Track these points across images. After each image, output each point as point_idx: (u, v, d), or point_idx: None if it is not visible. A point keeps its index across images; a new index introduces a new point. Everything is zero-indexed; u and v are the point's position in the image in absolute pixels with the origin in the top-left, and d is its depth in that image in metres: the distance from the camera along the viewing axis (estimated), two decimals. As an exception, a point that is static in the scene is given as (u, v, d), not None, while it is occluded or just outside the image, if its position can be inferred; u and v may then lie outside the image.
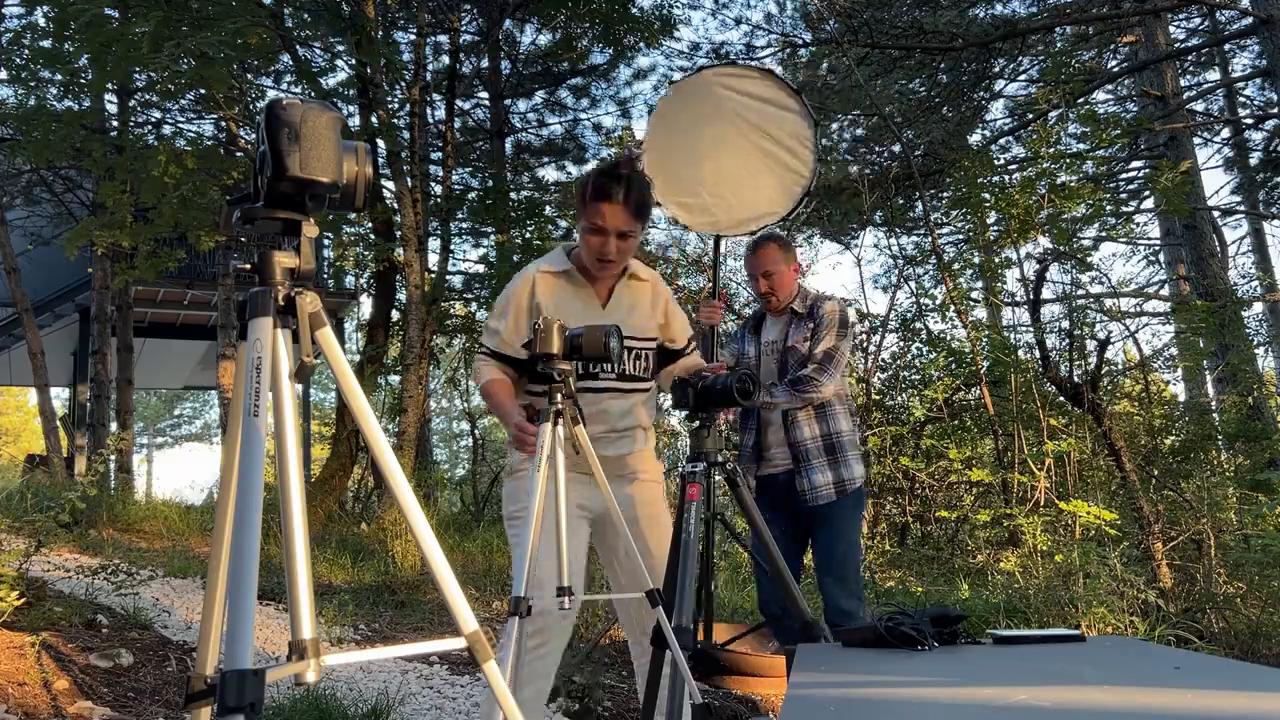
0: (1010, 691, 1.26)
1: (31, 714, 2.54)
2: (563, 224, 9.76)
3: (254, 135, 1.26)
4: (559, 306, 2.23)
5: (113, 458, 10.44)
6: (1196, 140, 11.28)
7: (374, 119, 8.42)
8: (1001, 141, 11.49)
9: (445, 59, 10.37)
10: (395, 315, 9.99)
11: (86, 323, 12.55)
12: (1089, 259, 6.95)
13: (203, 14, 6.90)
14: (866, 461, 8.58)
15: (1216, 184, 48.79)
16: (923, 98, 11.27)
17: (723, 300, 3.30)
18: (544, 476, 1.94)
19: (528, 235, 9.32)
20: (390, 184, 8.72)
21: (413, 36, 9.67)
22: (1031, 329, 6.45)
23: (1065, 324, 6.81)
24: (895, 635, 1.75)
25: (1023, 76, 11.74)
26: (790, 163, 3.23)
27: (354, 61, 8.79)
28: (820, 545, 3.05)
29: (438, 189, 9.97)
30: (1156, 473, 6.10)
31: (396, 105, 9.34)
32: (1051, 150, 6.84)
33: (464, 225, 11.36)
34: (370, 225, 9.71)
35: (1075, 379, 5.85)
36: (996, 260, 7.25)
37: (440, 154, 10.35)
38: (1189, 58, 12.12)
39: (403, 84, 9.08)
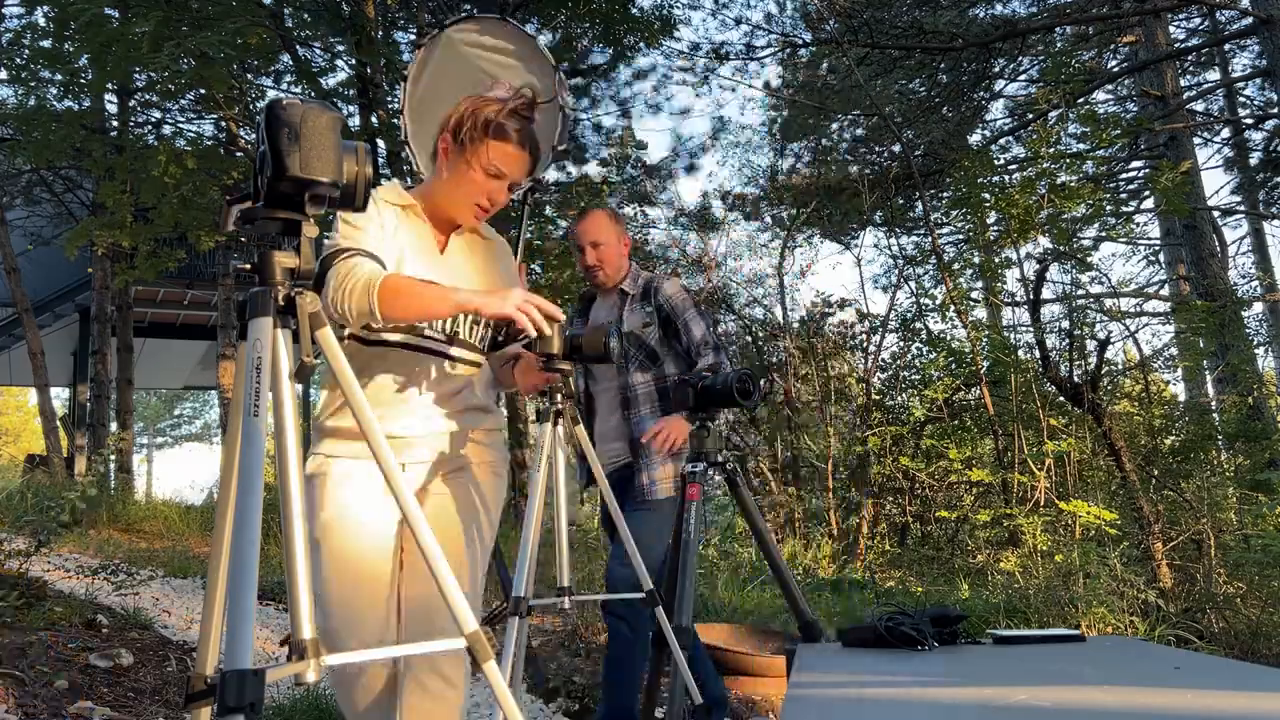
0: (1010, 691, 1.26)
1: (31, 714, 2.54)
2: (563, 224, 9.76)
3: (254, 135, 1.26)
4: (403, 243, 1.83)
5: (113, 458, 10.46)
6: (1196, 140, 11.28)
7: (374, 119, 8.41)
8: (1001, 141, 11.50)
9: (445, 59, 10.37)
10: (395, 315, 9.96)
11: (86, 323, 12.56)
12: (1089, 259, 6.95)
13: (203, 14, 6.90)
14: (866, 462, 8.65)
15: (1216, 184, 48.87)
16: (923, 98, 11.28)
17: (523, 270, 3.00)
18: (543, 476, 1.94)
19: (528, 235, 9.31)
20: (390, 184, 8.69)
21: (413, 36, 9.67)
22: (1031, 329, 6.46)
23: (1065, 324, 6.81)
24: (895, 635, 1.75)
25: (1023, 76, 11.75)
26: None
27: (354, 61, 8.78)
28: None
29: (438, 189, 9.94)
30: (1156, 473, 6.10)
31: (396, 105, 9.34)
32: (1051, 150, 6.84)
33: (463, 225, 11.34)
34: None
35: (1075, 379, 5.85)
36: (996, 260, 7.25)
37: (440, 154, 10.31)
38: (1189, 58, 12.13)
39: (403, 84, 9.07)
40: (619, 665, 2.57)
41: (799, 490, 8.49)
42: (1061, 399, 6.16)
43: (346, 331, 1.79)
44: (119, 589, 4.08)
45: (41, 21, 8.25)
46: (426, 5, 9.55)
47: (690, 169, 11.96)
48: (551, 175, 10.90)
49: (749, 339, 10.35)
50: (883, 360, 9.26)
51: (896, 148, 10.80)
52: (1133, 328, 7.95)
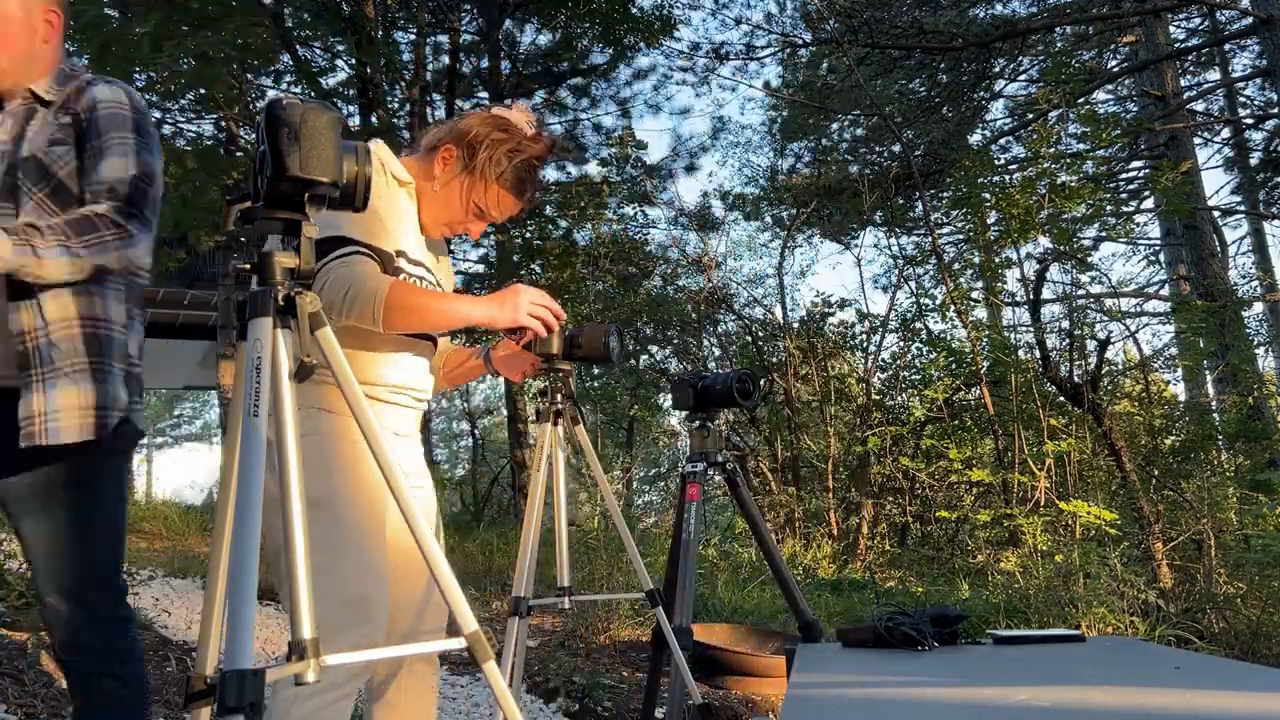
0: (1010, 691, 1.26)
1: (31, 714, 2.54)
2: (563, 224, 9.76)
3: (254, 135, 1.26)
4: (399, 217, 1.71)
5: (113, 458, 10.44)
6: (1196, 140, 11.29)
7: (374, 119, 8.42)
8: (1001, 141, 11.51)
9: (445, 59, 10.37)
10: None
11: (86, 323, 12.53)
12: (1089, 259, 6.95)
13: (203, 14, 6.90)
14: (866, 462, 8.64)
15: (1216, 184, 48.83)
16: (923, 98, 11.29)
17: None
18: (543, 476, 1.94)
19: (528, 235, 9.32)
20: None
21: (413, 36, 9.67)
22: (1031, 329, 6.46)
23: (1065, 324, 6.82)
24: (895, 635, 1.75)
25: (1023, 76, 11.75)
26: None
27: (354, 61, 8.79)
28: (59, 509, 1.66)
29: (438, 189, 9.95)
30: (1156, 473, 6.10)
31: (396, 105, 9.35)
32: (1051, 150, 6.85)
33: (463, 225, 11.34)
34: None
35: (1075, 379, 5.85)
36: (996, 260, 7.25)
37: (440, 154, 10.31)
38: (1189, 58, 12.13)
39: (403, 84, 9.08)
40: None
41: (799, 490, 8.49)
42: (1061, 399, 6.16)
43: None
44: (119, 589, 4.07)
45: (41, 21, 8.24)
46: (426, 5, 9.55)
47: (690, 169, 11.96)
48: (551, 175, 10.90)
49: (749, 339, 10.35)
50: (883, 360, 9.27)
51: (896, 148, 10.80)
52: (1133, 328, 7.97)
